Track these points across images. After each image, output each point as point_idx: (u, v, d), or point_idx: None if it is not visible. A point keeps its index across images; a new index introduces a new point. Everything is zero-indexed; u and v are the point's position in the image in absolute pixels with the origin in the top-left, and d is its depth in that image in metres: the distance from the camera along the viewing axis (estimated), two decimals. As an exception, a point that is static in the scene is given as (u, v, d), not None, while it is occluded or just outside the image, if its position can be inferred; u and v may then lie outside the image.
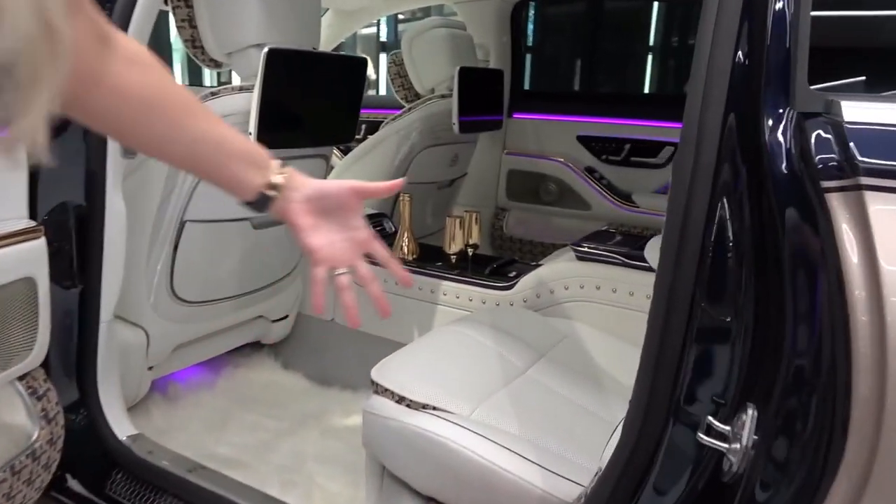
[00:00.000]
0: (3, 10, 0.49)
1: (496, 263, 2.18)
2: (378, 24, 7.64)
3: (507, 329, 1.66)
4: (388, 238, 2.27)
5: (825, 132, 0.72)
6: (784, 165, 0.74)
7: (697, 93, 0.82)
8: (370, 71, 2.11)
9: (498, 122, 2.89)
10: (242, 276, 2.00)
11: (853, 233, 0.67)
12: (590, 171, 2.95)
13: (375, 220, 2.40)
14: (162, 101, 0.77)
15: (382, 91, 6.36)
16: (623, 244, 1.98)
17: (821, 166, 0.70)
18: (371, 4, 2.99)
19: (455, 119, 2.46)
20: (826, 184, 0.69)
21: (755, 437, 0.73)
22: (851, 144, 0.69)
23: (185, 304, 1.86)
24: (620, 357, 1.66)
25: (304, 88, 1.79)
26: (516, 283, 2.01)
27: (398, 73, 2.90)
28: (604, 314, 1.88)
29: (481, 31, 2.96)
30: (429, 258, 2.16)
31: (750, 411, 0.74)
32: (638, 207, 2.82)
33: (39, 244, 1.22)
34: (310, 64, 1.80)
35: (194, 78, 6.38)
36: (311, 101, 1.84)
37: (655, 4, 4.26)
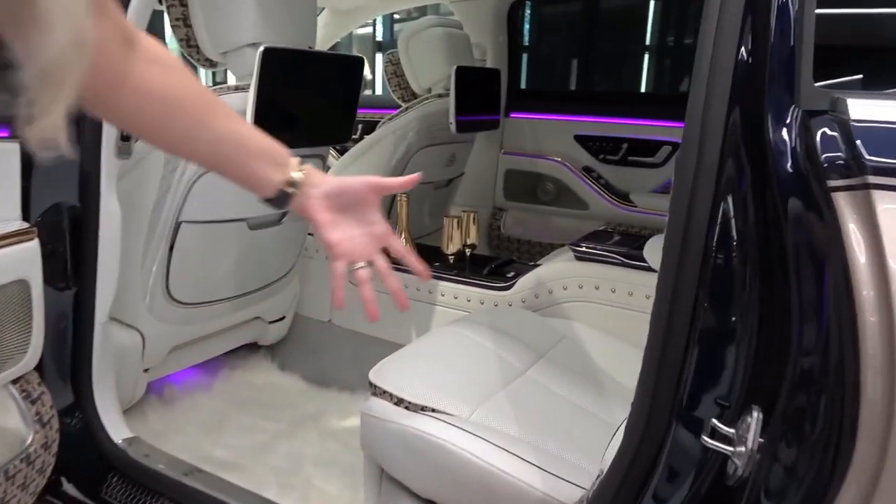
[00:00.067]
0: (50, 23, 0.52)
1: (494, 263, 2.17)
2: (374, 24, 7.63)
3: (505, 330, 1.65)
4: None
5: (831, 130, 0.71)
6: (789, 164, 0.73)
7: (700, 91, 0.81)
8: (366, 71, 2.09)
9: (495, 122, 2.88)
10: (239, 278, 1.99)
11: (861, 232, 0.65)
12: (587, 170, 2.94)
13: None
14: (184, 101, 0.79)
15: (378, 91, 6.34)
16: (622, 244, 1.97)
17: (827, 165, 0.69)
18: (367, 3, 2.98)
19: (452, 119, 2.44)
20: (832, 183, 0.68)
21: (761, 439, 0.72)
22: (858, 142, 0.67)
23: (181, 305, 1.85)
24: (620, 357, 1.65)
25: (301, 88, 1.78)
26: (515, 283, 2.00)
27: (395, 73, 2.89)
28: (603, 314, 1.87)
29: (478, 31, 2.95)
30: (426, 259, 2.13)
31: (755, 414, 0.73)
32: (636, 207, 2.80)
33: (33, 246, 1.20)
34: (306, 63, 1.79)
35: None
36: (308, 100, 1.83)
37: (652, 3, 4.25)
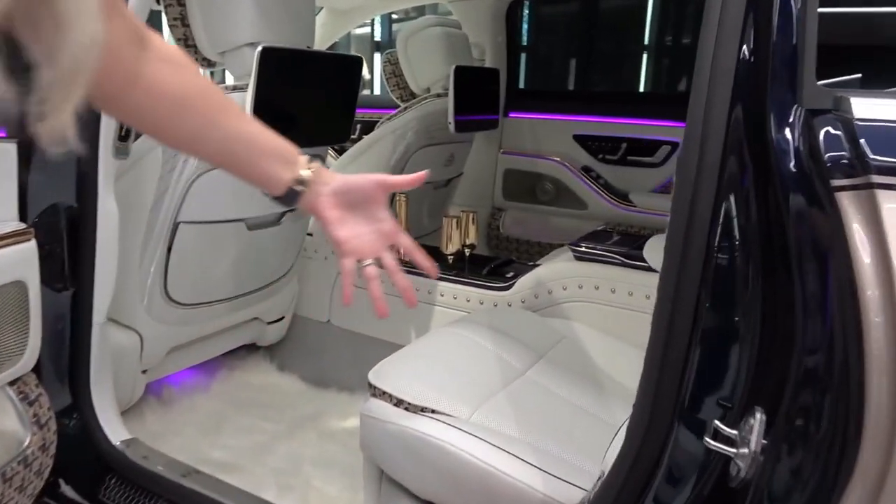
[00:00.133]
0: (68, 23, 0.54)
1: (494, 264, 2.17)
2: (372, 24, 7.62)
3: (505, 330, 1.65)
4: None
5: (834, 129, 0.70)
6: (792, 163, 0.72)
7: (701, 90, 0.80)
8: (364, 71, 2.09)
9: (494, 122, 2.87)
10: (237, 278, 1.98)
11: (865, 232, 0.65)
12: (586, 170, 2.94)
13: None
14: (195, 100, 0.80)
15: (377, 91, 6.33)
16: (621, 244, 1.96)
17: (830, 164, 0.68)
18: (365, 3, 2.97)
19: (451, 118, 2.44)
20: (836, 182, 0.67)
21: (764, 441, 0.71)
22: (862, 141, 0.67)
23: (180, 306, 1.84)
24: (620, 358, 1.65)
25: (299, 88, 1.77)
26: (514, 283, 2.00)
27: (393, 73, 2.88)
28: (603, 314, 1.87)
29: (477, 30, 2.95)
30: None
31: (758, 415, 0.72)
32: (635, 207, 2.80)
33: (30, 247, 1.19)
34: (304, 63, 1.78)
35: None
36: (306, 100, 1.82)
37: (650, 2, 4.25)
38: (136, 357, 1.79)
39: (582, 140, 2.95)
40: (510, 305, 1.99)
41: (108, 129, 1.40)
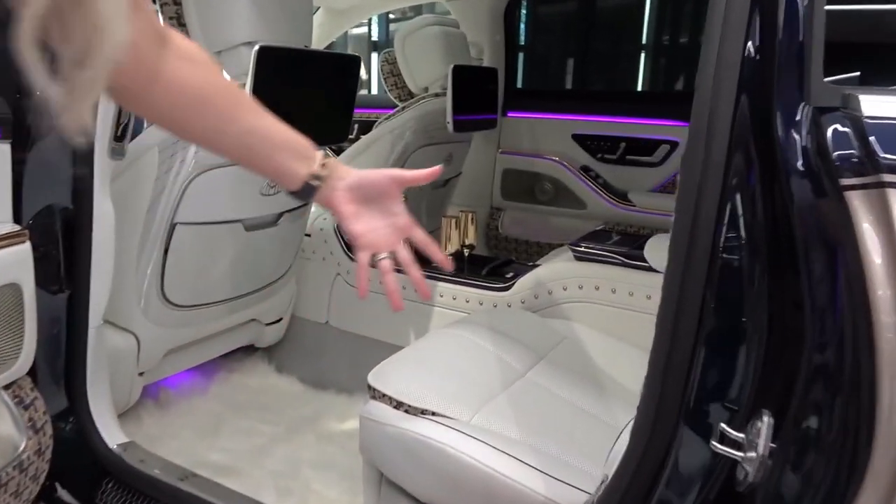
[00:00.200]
0: (105, 26, 0.57)
1: (493, 264, 2.16)
2: (369, 24, 7.60)
3: (505, 331, 1.63)
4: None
5: (843, 126, 0.69)
6: (799, 162, 0.71)
7: (706, 87, 0.79)
8: (361, 71, 2.08)
9: (492, 121, 2.86)
10: (235, 279, 1.97)
11: (876, 231, 0.64)
12: (585, 169, 2.93)
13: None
14: (213, 96, 0.83)
15: (374, 91, 6.32)
16: (622, 244, 1.95)
17: (839, 162, 0.67)
18: (362, 3, 2.96)
19: (449, 118, 2.42)
20: (845, 181, 0.66)
21: (772, 444, 0.70)
22: (872, 139, 0.66)
23: (177, 308, 1.83)
24: (621, 358, 1.63)
25: (296, 87, 1.75)
26: (514, 283, 1.98)
27: (391, 72, 2.87)
28: (603, 315, 1.85)
29: (475, 30, 2.93)
30: (424, 259, 2.13)
31: (766, 418, 0.71)
32: (634, 206, 2.79)
33: (24, 249, 1.18)
34: (302, 62, 1.76)
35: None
36: (304, 100, 1.81)
37: (649, 1, 4.24)
38: (132, 359, 1.78)
39: (581, 139, 2.94)
40: (510, 306, 1.98)
41: (104, 129, 1.39)
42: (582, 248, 1.94)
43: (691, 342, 0.81)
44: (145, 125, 1.73)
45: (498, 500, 1.16)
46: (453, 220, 2.16)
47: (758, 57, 0.77)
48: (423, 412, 1.29)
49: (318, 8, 2.95)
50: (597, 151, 2.93)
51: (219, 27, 1.64)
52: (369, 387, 1.36)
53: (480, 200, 3.14)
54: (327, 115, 1.92)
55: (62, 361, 1.48)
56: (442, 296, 2.05)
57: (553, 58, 4.35)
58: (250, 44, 1.59)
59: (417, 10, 4.00)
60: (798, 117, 0.73)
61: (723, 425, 0.77)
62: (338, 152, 2.76)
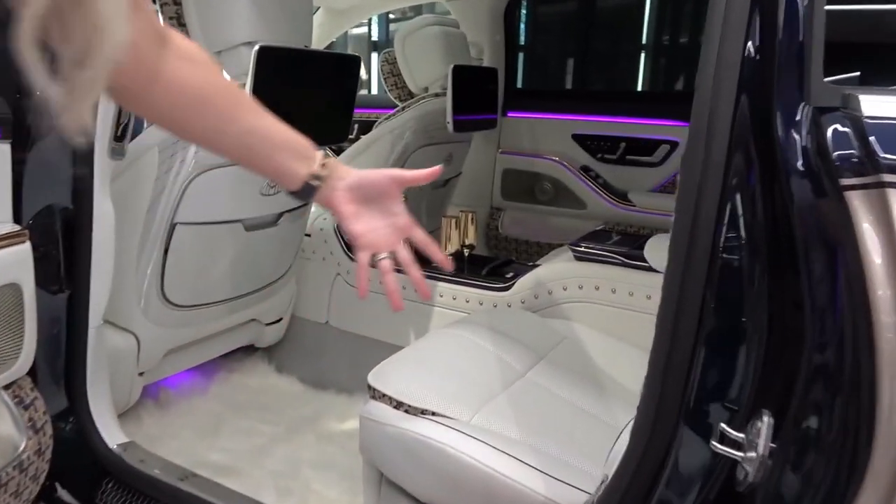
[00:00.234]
0: (105, 27, 0.57)
1: (493, 264, 2.16)
2: (369, 24, 7.60)
3: (505, 331, 1.63)
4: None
5: (843, 126, 0.69)
6: (800, 162, 0.71)
7: (706, 87, 0.79)
8: (361, 71, 2.08)
9: (492, 121, 2.86)
10: (235, 279, 1.97)
11: (876, 231, 0.64)
12: (585, 169, 2.93)
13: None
14: (213, 96, 0.83)
15: (374, 91, 6.31)
16: (622, 244, 1.95)
17: (839, 162, 0.67)
18: (362, 3, 2.96)
19: (449, 118, 2.42)
20: (845, 181, 0.66)
21: (772, 445, 0.70)
22: (872, 139, 0.66)
23: (177, 308, 1.83)
24: (621, 358, 1.63)
25: (296, 87, 1.75)
26: (514, 283, 1.98)
27: (391, 72, 2.87)
28: (603, 315, 1.85)
29: (475, 30, 2.93)
30: (424, 260, 2.13)
31: (766, 418, 0.71)
32: (634, 206, 2.79)
33: (24, 249, 1.18)
34: (302, 62, 1.76)
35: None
36: (304, 100, 1.81)
37: (648, 0, 4.24)
38: (132, 359, 1.78)
39: (580, 139, 2.94)
40: (510, 306, 1.98)
41: (103, 129, 1.39)
42: (582, 248, 1.94)
43: (691, 342, 0.81)
44: (145, 125, 1.73)
45: (498, 501, 1.15)
46: (453, 220, 2.16)
47: (758, 57, 0.77)
48: (423, 412, 1.29)
49: (318, 8, 2.95)
50: (597, 151, 2.93)
51: (219, 27, 1.64)
52: (369, 387, 1.36)
53: (480, 200, 3.14)
54: (327, 115, 1.92)
55: (62, 361, 1.47)
56: (442, 296, 2.05)
57: (553, 58, 4.35)
58: (250, 44, 1.59)
59: (417, 10, 4.00)
60: (798, 117, 0.73)
61: (723, 425, 0.77)
62: (338, 152, 2.76)
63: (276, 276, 2.11)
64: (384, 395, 1.33)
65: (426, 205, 2.78)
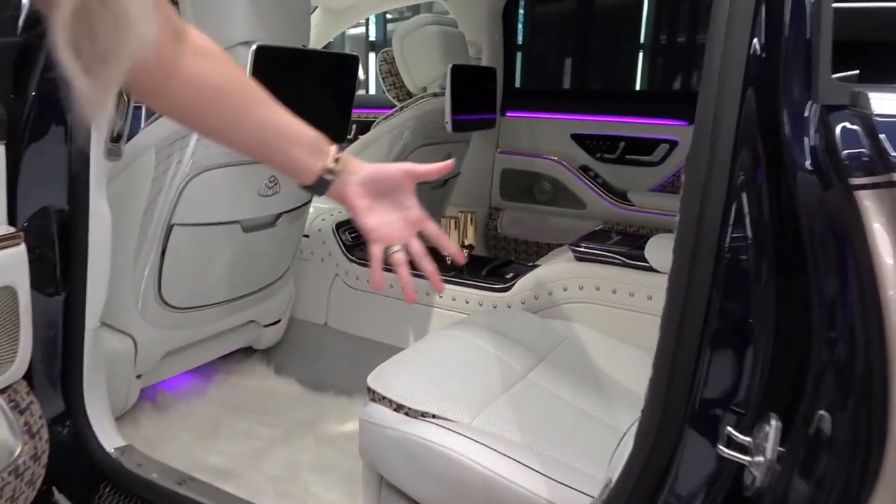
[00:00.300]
0: (130, 21, 0.60)
1: (493, 264, 2.14)
2: (367, 24, 7.59)
3: (505, 332, 1.62)
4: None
5: (852, 125, 0.68)
6: (808, 161, 0.69)
7: (711, 85, 0.78)
8: (359, 71, 2.08)
9: (491, 121, 2.85)
10: (233, 281, 1.95)
11: (887, 231, 0.62)
12: (584, 169, 2.92)
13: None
14: (230, 91, 0.84)
15: (372, 91, 6.30)
16: (622, 244, 1.94)
17: (848, 161, 0.66)
18: (360, 2, 2.95)
19: (448, 118, 2.41)
20: (855, 180, 0.65)
21: (780, 448, 0.69)
22: (882, 137, 0.64)
23: (174, 310, 1.81)
24: (622, 359, 1.62)
25: (294, 87, 1.74)
26: (514, 284, 1.97)
27: (389, 72, 2.86)
28: (604, 315, 1.84)
29: (473, 29, 2.92)
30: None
31: (773, 422, 0.70)
32: (634, 206, 2.78)
33: (19, 251, 1.16)
34: (299, 62, 1.75)
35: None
36: (302, 100, 1.77)
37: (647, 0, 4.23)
38: (130, 362, 1.77)
39: (580, 139, 2.93)
40: (510, 307, 1.97)
41: (99, 129, 1.37)
42: (582, 249, 1.93)
43: (696, 343, 0.80)
44: (142, 126, 1.71)
45: (500, 504, 1.14)
46: (452, 221, 2.15)
47: (764, 54, 0.76)
48: (424, 415, 1.28)
49: (316, 7, 2.94)
50: (596, 151, 2.92)
51: (216, 27, 1.62)
52: (369, 389, 1.35)
53: (479, 200, 3.13)
54: (325, 115, 1.91)
55: (59, 364, 1.46)
56: (441, 296, 2.04)
57: (551, 57, 4.34)
58: (247, 43, 1.58)
59: (415, 9, 3.99)
60: (806, 115, 0.72)
61: (729, 429, 0.76)
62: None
63: (274, 277, 2.10)
64: (384, 398, 1.32)
65: (425, 205, 2.70)
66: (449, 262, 2.11)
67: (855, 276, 0.65)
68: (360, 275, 2.17)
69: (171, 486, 1.48)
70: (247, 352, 2.32)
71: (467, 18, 2.92)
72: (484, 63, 2.95)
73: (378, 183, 0.92)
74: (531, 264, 2.09)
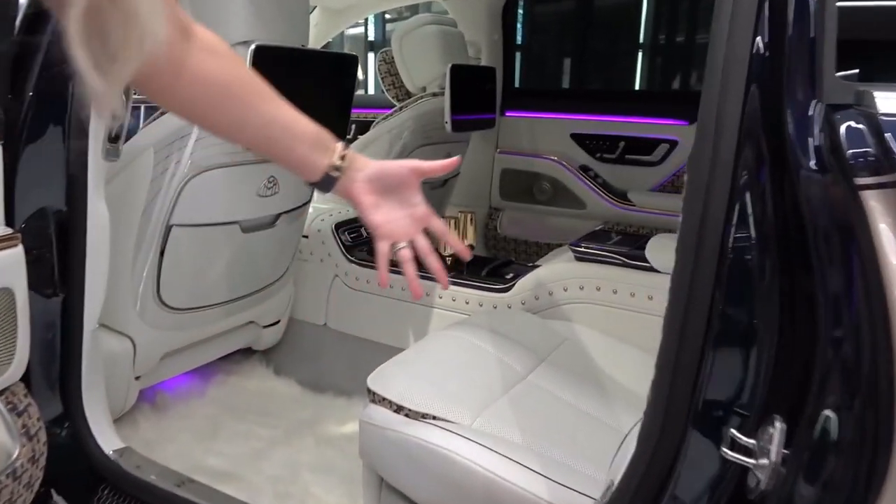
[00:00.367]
0: (140, 20, 0.61)
1: (493, 265, 2.14)
2: (365, 24, 7.58)
3: (506, 333, 1.61)
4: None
5: (857, 124, 0.67)
6: (812, 161, 0.69)
7: (714, 84, 0.77)
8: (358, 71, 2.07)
9: (491, 121, 2.84)
10: (232, 281, 1.94)
11: (894, 232, 0.62)
12: (584, 169, 2.91)
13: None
14: (237, 88, 0.84)
15: (371, 91, 6.30)
16: (622, 244, 1.93)
17: (853, 161, 0.65)
18: (359, 2, 2.94)
19: (448, 118, 2.40)
20: (861, 180, 0.64)
21: (785, 451, 0.68)
22: (888, 136, 0.64)
23: (173, 311, 1.81)
24: (623, 360, 1.62)
25: (293, 87, 1.70)
26: (514, 284, 1.97)
27: (388, 72, 2.85)
28: (604, 316, 1.84)
29: (472, 29, 2.91)
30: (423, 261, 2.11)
31: (778, 424, 0.69)
32: (634, 206, 2.77)
33: (16, 252, 1.16)
34: (299, 62, 1.74)
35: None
36: (301, 100, 1.76)
37: None
38: (128, 363, 1.76)
39: (579, 139, 2.92)
40: (510, 307, 1.96)
41: (97, 130, 1.36)
42: (582, 249, 1.92)
43: (700, 344, 0.79)
44: (140, 126, 1.71)
45: (501, 506, 1.14)
46: (452, 221, 2.14)
47: (767, 53, 0.75)
48: (424, 416, 1.27)
49: (315, 7, 2.93)
50: (596, 151, 2.91)
51: (214, 27, 1.58)
52: (369, 390, 1.34)
53: (479, 201, 3.12)
54: (324, 115, 1.87)
55: (57, 366, 1.45)
56: (441, 297, 2.03)
57: (551, 57, 4.33)
58: (246, 43, 1.57)
59: (414, 9, 3.98)
60: (810, 114, 0.71)
61: (733, 431, 0.75)
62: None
63: (273, 277, 2.09)
64: (384, 399, 1.31)
65: (424, 205, 2.75)
66: (448, 263, 2.10)
67: (861, 276, 0.64)
68: (360, 275, 2.16)
69: (171, 487, 1.48)
70: (246, 353, 2.31)
71: (466, 18, 2.91)
72: (483, 63, 2.94)
73: (384, 179, 0.92)
74: (531, 264, 2.08)
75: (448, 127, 2.42)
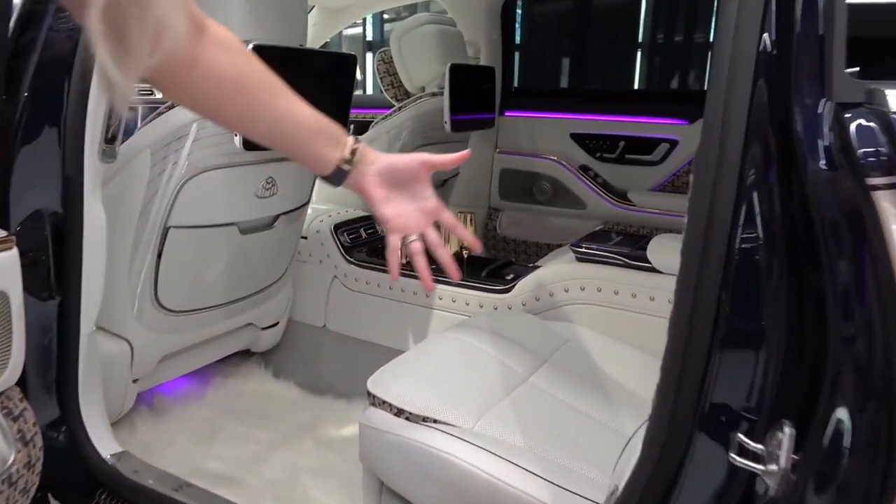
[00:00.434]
0: (166, 24, 0.62)
1: (493, 265, 2.12)
2: (364, 24, 7.57)
3: (506, 334, 1.60)
4: (382, 241, 2.20)
5: (868, 122, 0.65)
6: (822, 161, 0.67)
7: (720, 82, 0.76)
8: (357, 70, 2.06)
9: (490, 121, 2.83)
10: (230, 283, 1.93)
11: (907, 233, 0.60)
12: (584, 169, 2.90)
13: (367, 223, 2.34)
14: (250, 83, 0.85)
15: (369, 91, 6.28)
16: (623, 244, 1.92)
17: (864, 160, 0.64)
18: (357, 1, 2.93)
19: (447, 118, 2.39)
20: (872, 180, 0.62)
21: (794, 456, 0.67)
22: (901, 135, 0.62)
23: (171, 313, 1.79)
24: (625, 361, 1.60)
25: (292, 87, 1.71)
26: (514, 285, 1.95)
27: (387, 72, 2.83)
28: (606, 317, 1.82)
29: (471, 28, 2.90)
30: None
31: (787, 429, 0.68)
32: (634, 206, 2.76)
33: (11, 255, 1.14)
34: (297, 61, 1.73)
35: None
36: (299, 100, 1.77)
37: (645, -1, 4.22)
38: (126, 366, 1.74)
39: (579, 139, 2.91)
40: (510, 308, 1.95)
41: (93, 131, 1.35)
42: (583, 249, 1.91)
43: (706, 347, 0.77)
44: (137, 126, 1.69)
45: (503, 511, 1.12)
46: (452, 221, 2.12)
47: (774, 50, 0.74)
48: (425, 420, 1.26)
49: (313, 7, 2.92)
50: (595, 151, 2.90)
51: (212, 26, 1.60)
52: (369, 393, 1.33)
53: (478, 201, 3.10)
54: (323, 114, 1.88)
55: (53, 370, 1.44)
56: (441, 298, 2.02)
57: (550, 57, 4.32)
58: (244, 42, 1.55)
59: (412, 9, 3.97)
60: (819, 112, 0.69)
61: (741, 435, 0.73)
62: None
63: (272, 279, 2.08)
64: (384, 402, 1.30)
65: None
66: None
67: (872, 274, 0.63)
68: (359, 276, 2.15)
69: (169, 492, 1.46)
70: (245, 355, 2.30)
71: (465, 18, 2.90)
72: (482, 62, 2.93)
73: (395, 173, 0.93)
74: (531, 265, 2.07)
75: (447, 127, 2.40)
